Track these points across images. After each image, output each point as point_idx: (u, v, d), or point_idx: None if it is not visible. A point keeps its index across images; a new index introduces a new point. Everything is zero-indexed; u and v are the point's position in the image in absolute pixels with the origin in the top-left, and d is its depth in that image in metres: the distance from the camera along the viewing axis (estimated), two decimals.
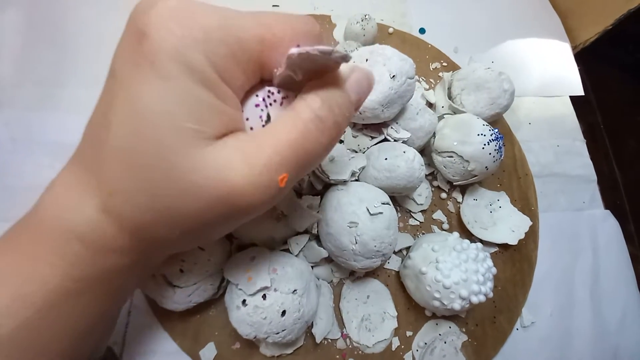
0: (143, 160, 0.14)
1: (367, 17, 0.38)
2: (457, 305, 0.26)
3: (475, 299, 0.26)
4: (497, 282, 0.34)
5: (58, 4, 0.41)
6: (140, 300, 0.30)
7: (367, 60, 0.30)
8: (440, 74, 0.40)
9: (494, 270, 0.28)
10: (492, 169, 0.32)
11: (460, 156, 0.32)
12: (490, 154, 0.31)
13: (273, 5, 0.44)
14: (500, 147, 0.32)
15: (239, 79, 0.15)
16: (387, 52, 0.29)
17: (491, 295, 0.27)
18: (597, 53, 0.45)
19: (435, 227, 0.35)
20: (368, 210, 0.27)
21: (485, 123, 0.32)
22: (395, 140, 0.32)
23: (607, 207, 0.39)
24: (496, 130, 0.32)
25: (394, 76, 0.29)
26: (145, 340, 0.29)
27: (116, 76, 0.15)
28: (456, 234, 0.30)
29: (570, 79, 0.44)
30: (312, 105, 0.16)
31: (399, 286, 0.33)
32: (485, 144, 0.31)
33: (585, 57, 0.45)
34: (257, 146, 0.15)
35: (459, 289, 0.26)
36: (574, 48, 0.46)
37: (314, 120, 0.15)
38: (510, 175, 0.38)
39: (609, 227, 0.38)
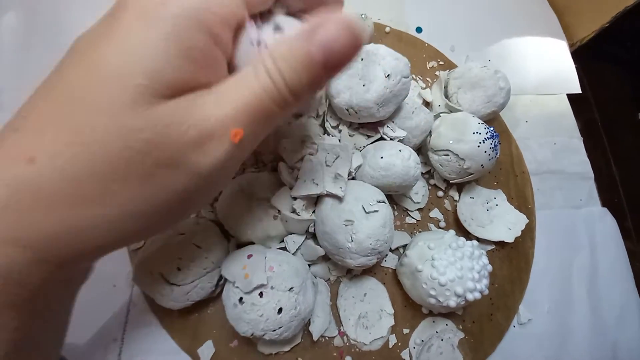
0: (76, 119, 0.13)
1: (363, 16, 0.39)
2: (452, 302, 0.27)
3: (470, 296, 0.26)
4: (494, 279, 0.34)
5: (56, 8, 0.41)
6: (139, 298, 0.30)
7: (362, 59, 0.30)
8: (437, 72, 0.40)
9: (490, 267, 0.28)
10: (488, 167, 0.32)
11: (456, 154, 0.32)
12: (485, 152, 0.31)
13: None
14: (495, 145, 0.32)
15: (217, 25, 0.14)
16: (381, 52, 0.29)
17: (486, 292, 0.27)
18: (594, 50, 0.45)
19: (432, 225, 0.35)
20: (364, 208, 0.27)
21: (481, 121, 0.33)
22: (391, 139, 0.33)
23: (604, 204, 0.39)
24: (492, 128, 0.32)
25: (388, 75, 0.29)
26: (144, 338, 0.30)
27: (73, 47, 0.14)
28: (452, 232, 0.30)
29: (568, 77, 0.44)
30: (267, 67, 0.14)
31: (395, 284, 0.33)
32: (480, 142, 0.31)
33: (582, 55, 0.45)
34: (214, 103, 0.14)
35: (454, 287, 0.26)
36: (571, 46, 0.46)
37: (268, 87, 0.14)
38: (507, 173, 0.38)
39: (606, 224, 0.38)
